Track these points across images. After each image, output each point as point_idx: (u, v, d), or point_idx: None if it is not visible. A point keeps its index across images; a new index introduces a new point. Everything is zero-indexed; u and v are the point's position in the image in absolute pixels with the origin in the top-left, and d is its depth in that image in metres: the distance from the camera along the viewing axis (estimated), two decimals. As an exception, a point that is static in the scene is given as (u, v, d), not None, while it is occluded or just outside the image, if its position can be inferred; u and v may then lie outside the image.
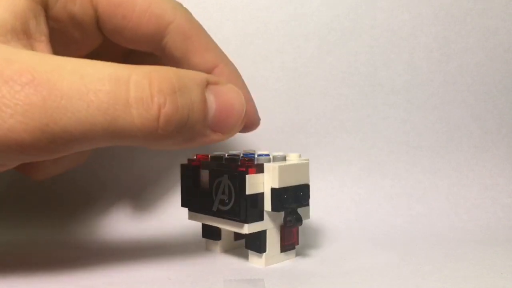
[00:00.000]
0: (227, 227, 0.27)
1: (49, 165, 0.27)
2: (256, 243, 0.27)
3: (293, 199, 0.26)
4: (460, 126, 0.38)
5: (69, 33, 0.26)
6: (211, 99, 0.23)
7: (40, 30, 0.23)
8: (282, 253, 0.27)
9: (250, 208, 0.26)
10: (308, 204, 0.27)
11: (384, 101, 0.38)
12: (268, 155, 0.27)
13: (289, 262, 0.27)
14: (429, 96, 0.38)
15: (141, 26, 0.26)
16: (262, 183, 0.26)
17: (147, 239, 0.33)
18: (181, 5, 0.27)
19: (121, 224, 0.35)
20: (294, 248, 0.28)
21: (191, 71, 0.23)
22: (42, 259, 0.28)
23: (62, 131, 0.20)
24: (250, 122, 0.28)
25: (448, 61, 0.38)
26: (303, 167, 0.27)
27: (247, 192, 0.25)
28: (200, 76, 0.23)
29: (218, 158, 0.27)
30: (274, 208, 0.26)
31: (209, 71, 0.27)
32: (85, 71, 0.20)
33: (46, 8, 0.24)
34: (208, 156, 0.28)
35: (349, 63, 0.38)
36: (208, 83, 0.23)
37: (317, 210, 0.36)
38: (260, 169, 0.26)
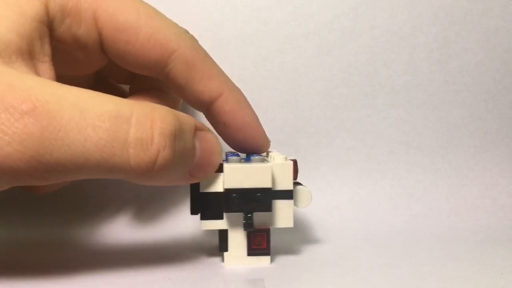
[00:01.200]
0: None
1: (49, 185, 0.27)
2: (219, 242, 0.27)
3: (247, 202, 0.25)
4: (460, 126, 0.38)
5: (73, 54, 0.26)
6: (197, 145, 0.24)
7: (44, 51, 0.23)
8: (250, 257, 0.27)
9: (206, 206, 0.26)
10: (268, 210, 0.26)
11: (384, 101, 0.38)
12: (238, 155, 0.27)
13: (273, 264, 0.27)
14: (429, 96, 0.38)
15: (144, 53, 0.25)
16: (221, 183, 0.26)
17: (146, 239, 0.33)
18: (186, 32, 0.27)
19: (121, 225, 0.35)
20: (267, 254, 0.27)
21: (185, 114, 0.24)
22: (42, 261, 0.28)
23: (56, 163, 0.20)
24: (260, 148, 0.29)
25: (448, 61, 0.38)
26: (264, 170, 0.25)
27: (201, 190, 0.26)
28: (191, 121, 0.24)
29: None
30: (224, 208, 0.26)
31: (214, 100, 0.27)
32: (86, 105, 0.20)
33: (50, 29, 0.24)
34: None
35: (349, 63, 0.38)
36: (196, 129, 0.24)
37: (317, 210, 0.36)
38: (220, 169, 0.26)
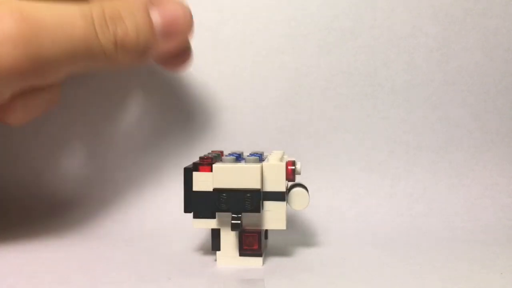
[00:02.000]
0: None
1: (20, 109, 0.29)
2: (212, 241, 0.27)
3: (235, 202, 0.25)
4: (460, 126, 0.38)
5: None
6: (155, 15, 0.28)
7: None
8: (242, 257, 0.27)
9: (198, 205, 0.26)
10: (256, 211, 0.26)
11: (384, 101, 0.38)
12: (234, 154, 0.27)
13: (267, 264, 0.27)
14: (429, 96, 0.38)
15: None
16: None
17: (146, 239, 0.33)
18: None
19: (120, 224, 0.35)
20: (258, 255, 0.27)
21: (133, 0, 0.28)
22: (40, 260, 0.28)
23: (52, 56, 0.26)
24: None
25: (448, 61, 0.38)
26: (253, 171, 0.25)
27: (194, 189, 0.26)
28: (142, 1, 0.28)
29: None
30: (214, 208, 0.26)
31: None
32: (59, 11, 0.26)
33: None
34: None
35: (349, 63, 0.38)
36: (151, 4, 0.28)
37: (317, 210, 0.36)
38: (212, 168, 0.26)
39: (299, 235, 0.33)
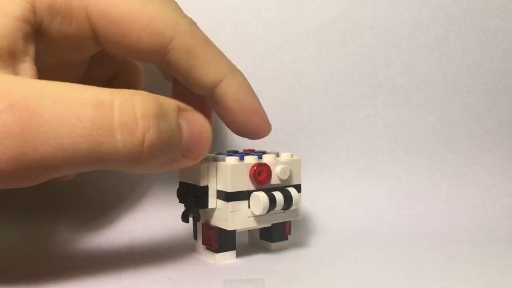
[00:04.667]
0: None
1: None
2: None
3: (192, 197, 0.27)
4: (460, 126, 0.38)
5: (65, 48, 0.25)
6: (183, 126, 0.24)
7: (27, 51, 0.22)
8: (205, 251, 0.28)
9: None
10: (203, 207, 0.27)
11: (384, 101, 0.38)
12: (226, 154, 0.28)
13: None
14: (429, 96, 0.38)
15: (141, 44, 0.25)
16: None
17: (146, 240, 0.33)
18: (184, 17, 0.26)
19: (120, 225, 0.35)
20: (215, 251, 0.27)
21: (166, 97, 0.24)
22: (40, 261, 0.28)
23: (42, 159, 0.19)
24: (261, 131, 0.29)
25: (448, 61, 0.38)
26: (201, 168, 0.27)
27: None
28: (173, 102, 0.24)
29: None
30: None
31: (216, 84, 0.27)
32: (66, 97, 0.20)
33: (38, 29, 0.23)
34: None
35: (349, 63, 0.38)
36: (180, 110, 0.24)
37: (317, 210, 0.36)
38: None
39: (299, 234, 0.33)
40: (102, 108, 0.20)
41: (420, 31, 0.37)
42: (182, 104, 0.24)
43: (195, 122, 0.24)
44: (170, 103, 0.23)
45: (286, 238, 0.30)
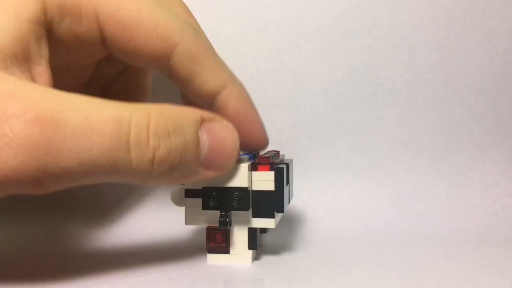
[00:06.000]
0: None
1: None
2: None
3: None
4: (460, 126, 0.38)
5: (74, 50, 0.25)
6: (204, 138, 0.23)
7: (41, 53, 0.23)
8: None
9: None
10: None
11: (384, 101, 0.38)
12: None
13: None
14: (429, 96, 0.38)
15: (147, 48, 0.25)
16: None
17: (146, 240, 0.33)
18: (190, 24, 0.26)
19: (120, 225, 0.35)
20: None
21: (188, 109, 0.24)
22: (40, 263, 0.28)
23: (62, 172, 0.20)
24: (260, 145, 0.28)
25: (448, 61, 0.38)
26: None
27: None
28: (195, 114, 0.23)
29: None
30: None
31: (217, 93, 0.27)
32: (89, 111, 0.20)
33: (49, 30, 0.23)
34: (268, 158, 0.27)
35: (349, 63, 0.38)
36: (203, 121, 0.24)
37: (317, 210, 0.36)
38: None
39: (299, 234, 0.33)
40: (121, 125, 0.21)
41: (420, 31, 0.37)
42: (207, 114, 0.24)
43: (217, 133, 0.24)
44: (190, 116, 0.23)
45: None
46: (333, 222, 0.35)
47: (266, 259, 0.28)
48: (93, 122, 0.20)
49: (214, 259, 0.27)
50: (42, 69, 0.23)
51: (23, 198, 0.36)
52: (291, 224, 0.31)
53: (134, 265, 0.27)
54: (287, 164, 0.28)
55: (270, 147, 0.35)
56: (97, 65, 0.29)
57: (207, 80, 0.26)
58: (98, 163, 0.20)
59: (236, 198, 0.26)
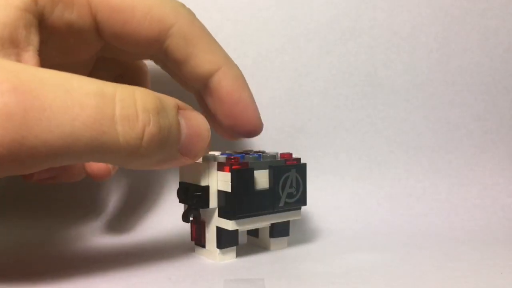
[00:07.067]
0: (282, 219, 0.28)
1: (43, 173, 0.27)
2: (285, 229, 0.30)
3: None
4: (460, 126, 0.38)
5: (68, 40, 0.25)
6: (182, 123, 0.23)
7: (29, 40, 0.22)
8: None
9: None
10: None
11: (384, 101, 0.38)
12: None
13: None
14: (429, 96, 0.38)
15: (142, 31, 0.25)
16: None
17: (146, 239, 0.33)
18: (183, 6, 0.26)
19: (121, 225, 0.35)
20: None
21: (165, 95, 0.23)
22: (40, 262, 0.28)
23: (42, 145, 0.19)
24: (252, 127, 0.28)
25: (448, 61, 0.38)
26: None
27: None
28: (173, 100, 0.24)
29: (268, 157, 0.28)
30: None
31: (212, 73, 0.27)
32: (70, 85, 0.20)
33: (41, 18, 0.23)
34: (238, 158, 0.27)
35: (349, 63, 0.38)
36: (179, 108, 0.24)
37: (317, 210, 0.36)
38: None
39: (299, 235, 0.33)
40: (105, 99, 0.20)
41: (420, 31, 0.37)
42: (181, 103, 0.24)
43: (193, 121, 0.24)
44: (170, 101, 0.23)
45: (288, 234, 0.30)
46: (333, 222, 0.35)
47: (266, 259, 0.28)
48: (75, 95, 0.19)
49: (197, 251, 0.29)
50: (29, 56, 0.22)
51: (23, 198, 0.36)
52: (290, 224, 0.31)
53: (134, 265, 0.27)
54: (252, 169, 0.27)
55: (270, 147, 0.35)
56: (94, 67, 0.29)
57: (202, 61, 0.26)
58: (81, 137, 0.19)
59: (197, 196, 0.27)
